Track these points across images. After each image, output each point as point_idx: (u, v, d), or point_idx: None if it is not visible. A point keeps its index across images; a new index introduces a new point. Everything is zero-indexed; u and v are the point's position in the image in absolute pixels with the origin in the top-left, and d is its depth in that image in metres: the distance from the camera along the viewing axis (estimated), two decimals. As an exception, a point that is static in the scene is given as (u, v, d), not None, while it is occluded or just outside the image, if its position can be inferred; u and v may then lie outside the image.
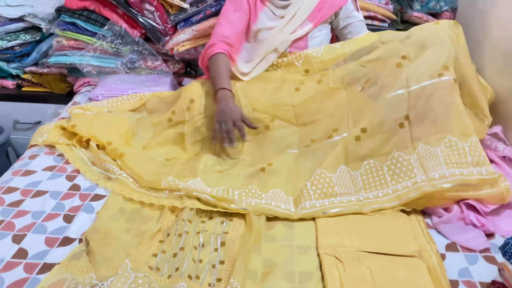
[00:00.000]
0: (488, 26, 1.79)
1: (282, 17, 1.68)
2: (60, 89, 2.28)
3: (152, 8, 1.99)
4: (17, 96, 2.31)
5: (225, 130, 1.41)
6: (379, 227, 1.21)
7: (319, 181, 1.32)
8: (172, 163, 1.48)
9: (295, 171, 1.42)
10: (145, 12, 2.02)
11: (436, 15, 2.12)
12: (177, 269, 1.06)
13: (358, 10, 1.76)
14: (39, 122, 2.32)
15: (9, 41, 2.22)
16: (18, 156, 2.32)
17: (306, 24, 1.68)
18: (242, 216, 1.26)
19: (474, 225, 1.21)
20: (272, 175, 1.41)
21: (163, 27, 2.03)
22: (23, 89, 2.33)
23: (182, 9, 2.00)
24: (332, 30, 1.80)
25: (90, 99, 1.91)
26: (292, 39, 1.66)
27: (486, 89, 1.58)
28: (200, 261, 1.10)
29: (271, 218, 1.25)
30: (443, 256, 1.13)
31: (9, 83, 2.32)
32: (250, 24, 1.71)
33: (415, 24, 2.11)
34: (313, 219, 1.25)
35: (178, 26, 2.04)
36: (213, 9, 1.97)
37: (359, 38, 1.66)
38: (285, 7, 1.67)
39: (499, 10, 1.71)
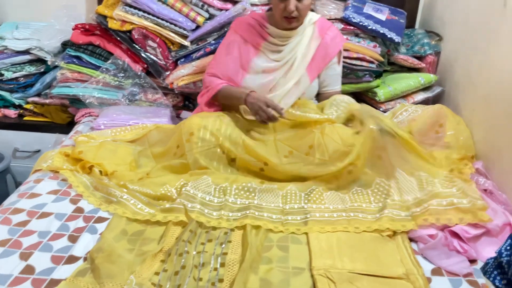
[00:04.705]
0: (471, 71, 1.90)
1: (277, 61, 1.75)
2: (61, 119, 2.35)
3: (155, 45, 2.10)
4: (18, 125, 2.37)
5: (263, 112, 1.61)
6: (369, 252, 1.27)
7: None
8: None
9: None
10: (148, 48, 2.13)
11: (420, 58, 2.23)
12: (178, 286, 1.11)
13: (339, 62, 1.85)
14: (38, 151, 2.38)
15: (14, 72, 2.29)
16: (16, 183, 2.35)
17: (304, 76, 1.76)
18: (240, 237, 1.31)
19: (458, 251, 1.28)
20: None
21: (164, 63, 2.13)
22: (25, 118, 2.39)
23: (183, 46, 2.11)
24: None
25: (92, 128, 1.97)
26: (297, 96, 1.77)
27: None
28: (200, 279, 1.15)
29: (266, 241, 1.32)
30: (429, 280, 1.18)
31: (11, 113, 2.38)
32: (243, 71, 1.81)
33: (401, 66, 2.25)
34: (307, 242, 1.31)
35: (178, 62, 2.14)
36: (212, 47, 2.08)
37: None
38: (279, 51, 1.75)
39: (481, 57, 1.81)
